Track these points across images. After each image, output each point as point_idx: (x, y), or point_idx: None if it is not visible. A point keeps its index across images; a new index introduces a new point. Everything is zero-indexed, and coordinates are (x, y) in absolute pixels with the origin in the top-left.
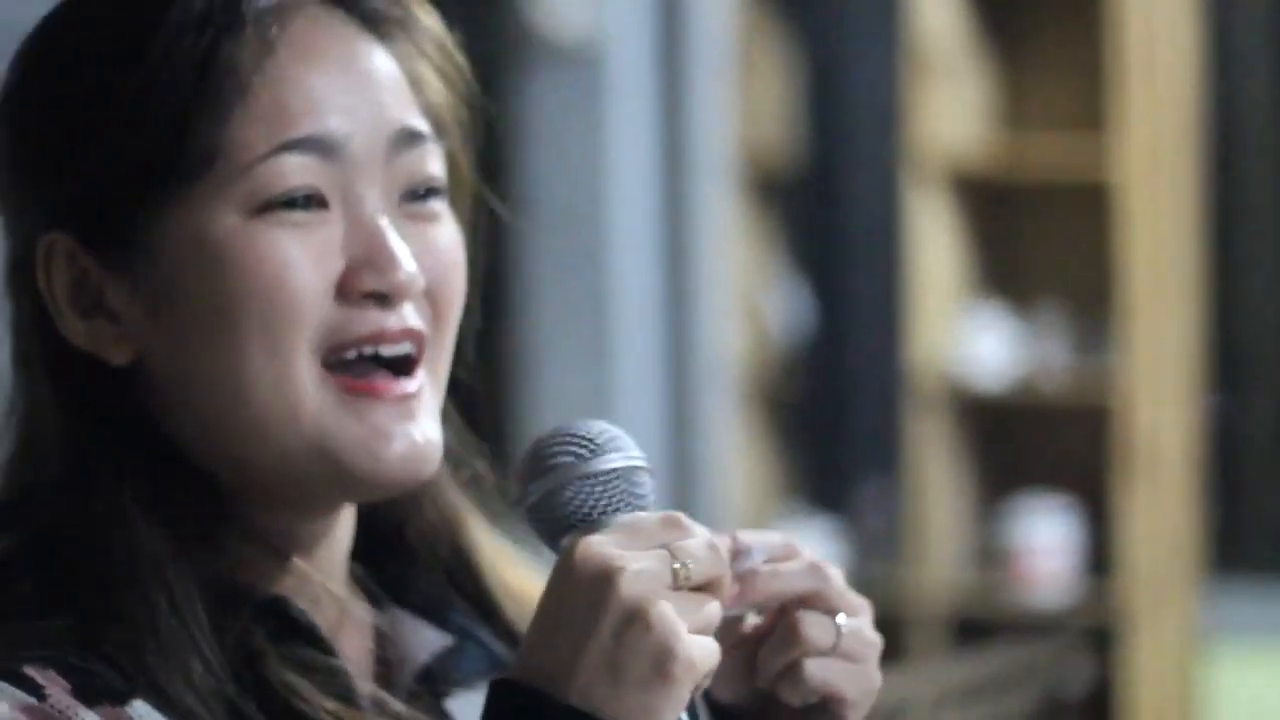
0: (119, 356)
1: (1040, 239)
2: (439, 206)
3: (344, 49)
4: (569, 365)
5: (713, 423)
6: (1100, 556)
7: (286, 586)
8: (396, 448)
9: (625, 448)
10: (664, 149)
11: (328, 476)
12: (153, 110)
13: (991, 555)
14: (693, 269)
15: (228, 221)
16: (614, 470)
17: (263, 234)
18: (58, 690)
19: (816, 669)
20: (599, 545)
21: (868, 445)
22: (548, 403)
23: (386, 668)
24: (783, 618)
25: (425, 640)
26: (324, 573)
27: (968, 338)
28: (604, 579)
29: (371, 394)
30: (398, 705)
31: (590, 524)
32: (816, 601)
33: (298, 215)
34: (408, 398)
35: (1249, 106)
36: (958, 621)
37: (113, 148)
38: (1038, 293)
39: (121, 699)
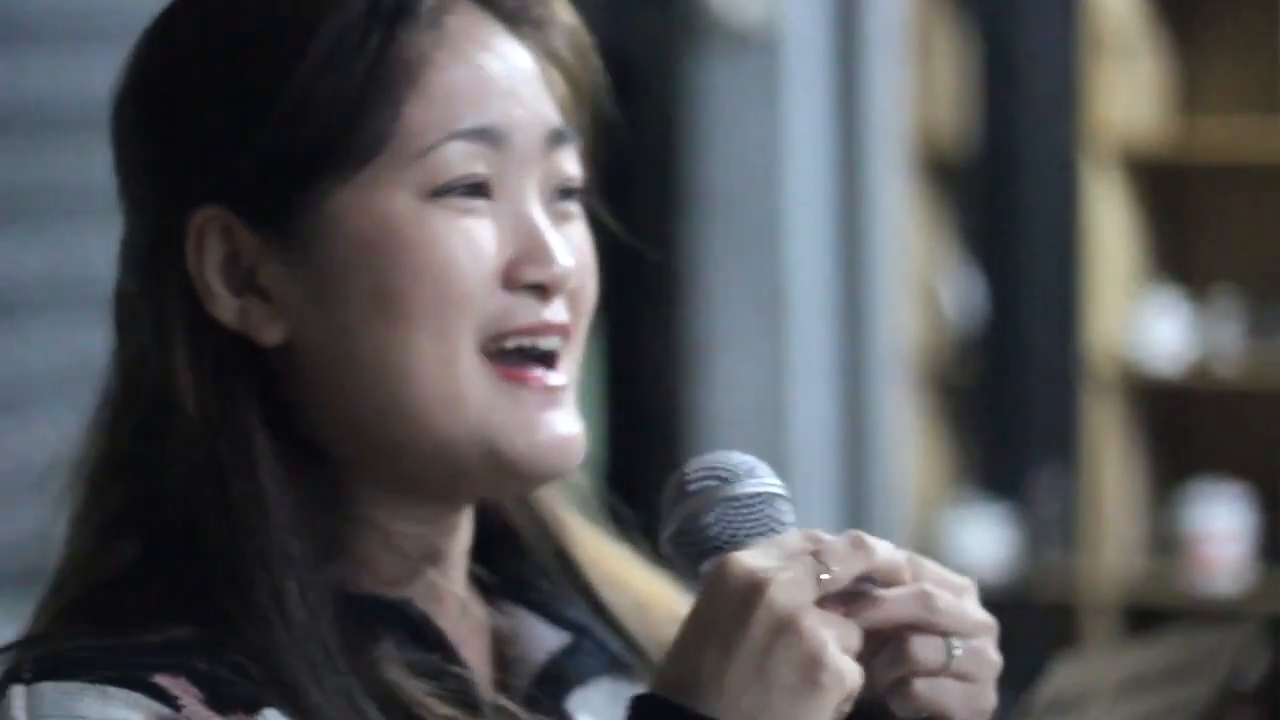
0: (270, 336)
1: (1216, 223)
2: (575, 207)
3: (499, 45)
4: (744, 350)
5: (886, 408)
6: (1276, 543)
7: (411, 589)
8: (551, 435)
9: (764, 475)
10: (839, 133)
11: (485, 463)
12: (326, 93)
13: (1166, 542)
14: (867, 254)
15: (401, 204)
16: (758, 495)
17: (436, 218)
18: (191, 700)
19: (925, 688)
20: (747, 559)
21: (1042, 431)
22: (723, 388)
23: (505, 668)
24: (894, 635)
25: (543, 638)
26: (446, 574)
27: (1143, 322)
28: (753, 590)
29: (524, 383)
30: (520, 712)
31: (733, 547)
32: (924, 628)
33: (467, 202)
34: (556, 390)
35: None
36: (1130, 608)
37: (283, 128)
38: (1214, 277)
39: (253, 708)
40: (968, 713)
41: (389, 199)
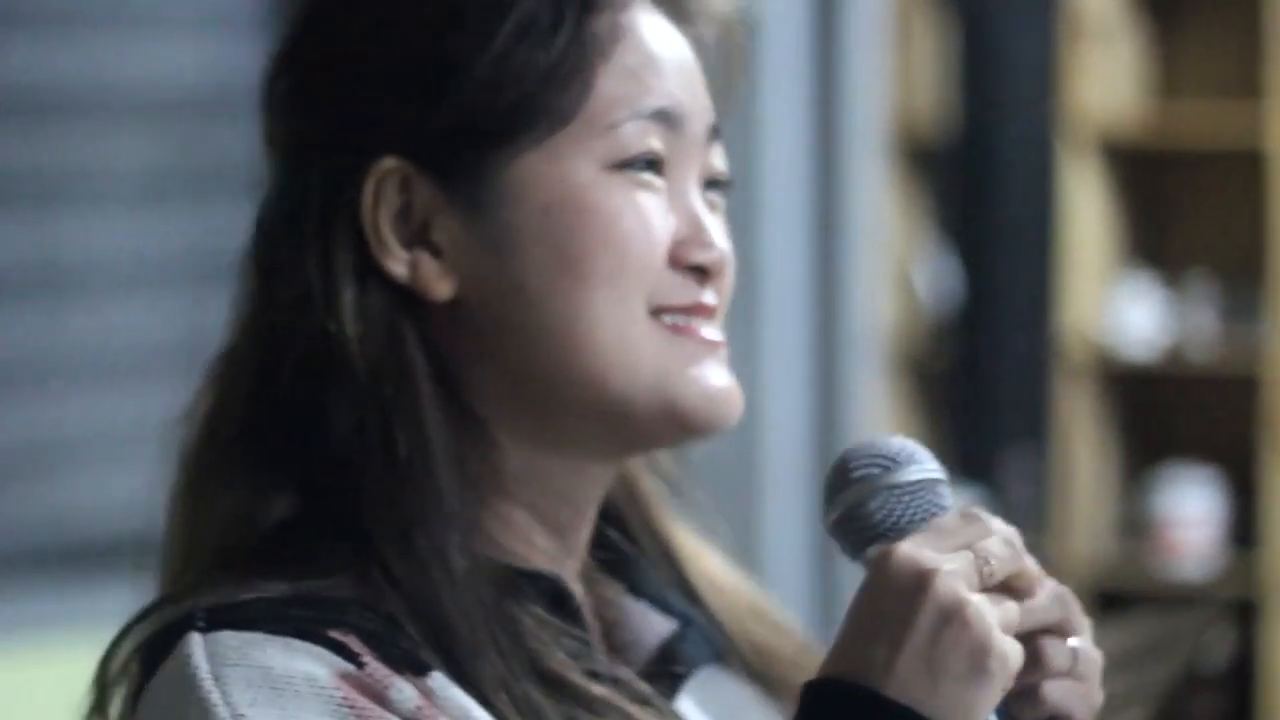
0: (439, 291)
1: (1192, 208)
2: (720, 200)
3: (672, 34)
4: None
5: (860, 391)
6: (1245, 528)
7: (545, 556)
8: (721, 386)
9: (924, 461)
10: (817, 117)
11: (659, 416)
12: (526, 60)
13: (1136, 526)
14: (843, 238)
15: (586, 173)
16: (919, 481)
17: (620, 189)
18: (370, 657)
19: (1053, 691)
20: (913, 549)
21: (1015, 415)
22: None
23: (618, 648)
24: (1024, 642)
25: (652, 624)
26: (577, 546)
27: (1117, 307)
28: (921, 580)
29: (690, 335)
30: (640, 684)
31: (897, 533)
32: (1060, 629)
33: (644, 177)
34: (717, 344)
35: None
36: (1100, 592)
37: (481, 90)
38: (1188, 262)
39: (420, 670)
40: (1085, 710)
41: (576, 167)
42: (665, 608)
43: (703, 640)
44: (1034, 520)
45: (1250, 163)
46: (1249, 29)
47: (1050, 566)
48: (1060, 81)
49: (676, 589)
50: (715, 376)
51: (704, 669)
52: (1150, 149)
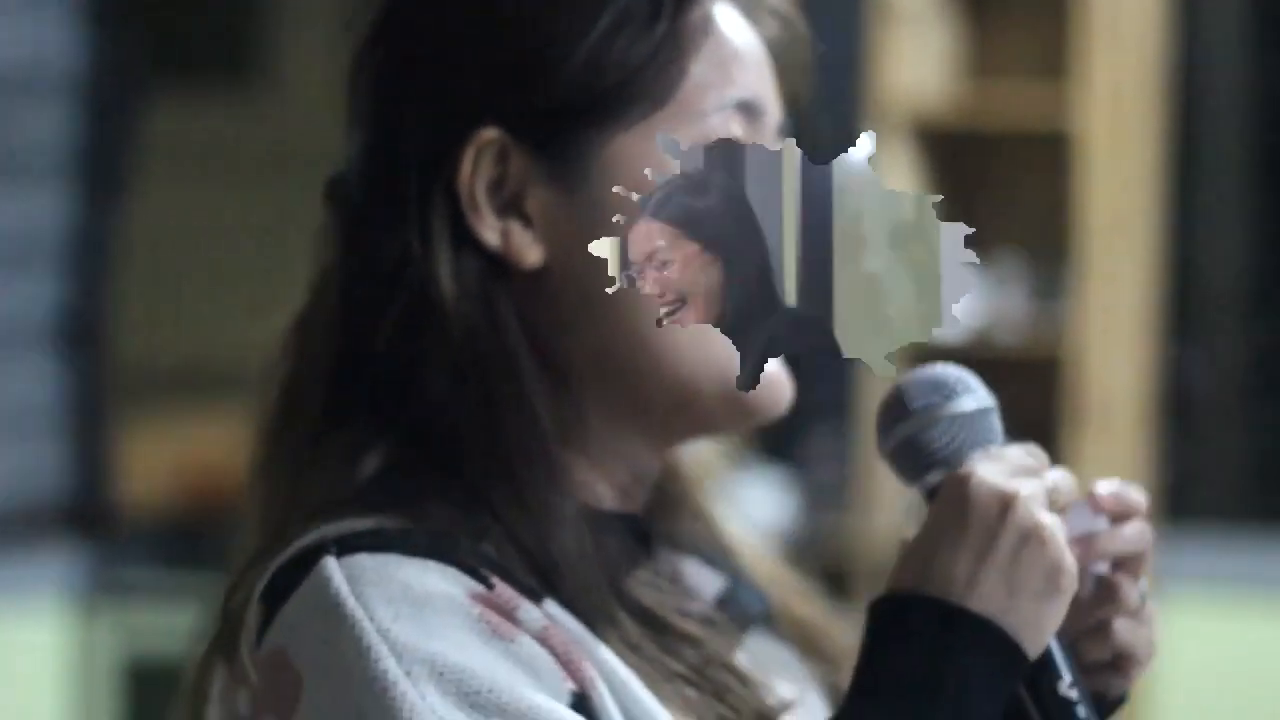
0: (529, 258)
1: (1001, 188)
2: None
3: (751, 33)
4: None
5: None
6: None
7: (630, 506)
8: (779, 375)
9: (977, 390)
10: None
11: (721, 398)
12: (627, 46)
13: None
14: None
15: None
16: (976, 411)
17: None
18: (497, 580)
19: (1124, 629)
20: (994, 474)
21: (820, 394)
22: None
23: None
24: (1099, 578)
25: (706, 581)
26: (640, 506)
27: None
28: (1003, 503)
29: None
30: (723, 620)
31: (956, 460)
32: (1138, 561)
33: None
34: None
35: (1212, 56)
36: None
37: (583, 73)
38: (996, 242)
39: (536, 596)
40: (1146, 655)
41: None
42: (711, 565)
43: (754, 595)
44: (837, 499)
45: (1056, 144)
46: (1056, 11)
47: (853, 546)
48: (870, 63)
49: (716, 550)
50: (772, 365)
51: (757, 623)
52: (958, 130)
